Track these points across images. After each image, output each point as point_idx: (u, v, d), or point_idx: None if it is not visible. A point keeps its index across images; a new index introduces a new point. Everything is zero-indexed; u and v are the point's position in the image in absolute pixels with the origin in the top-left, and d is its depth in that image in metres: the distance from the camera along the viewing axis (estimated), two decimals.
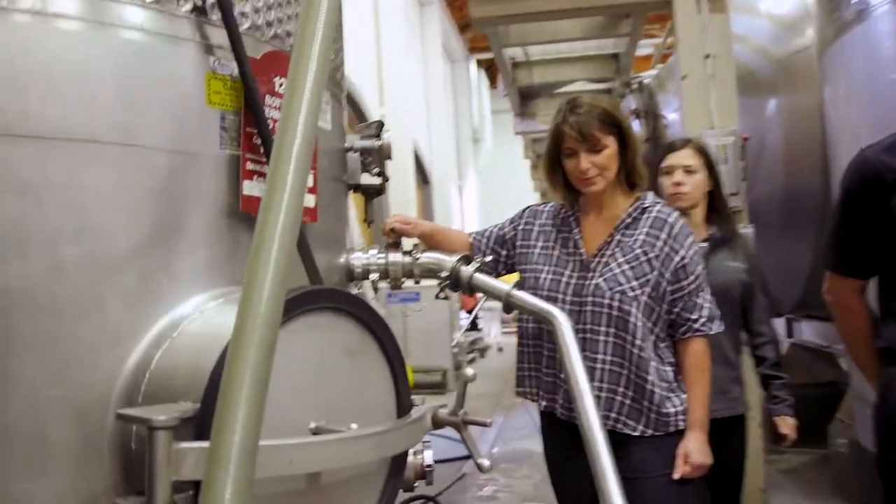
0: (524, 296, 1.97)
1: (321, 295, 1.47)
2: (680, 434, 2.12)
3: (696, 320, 2.15)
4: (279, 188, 1.22)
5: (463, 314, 12.23)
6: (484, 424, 1.68)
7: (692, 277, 2.15)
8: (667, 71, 5.71)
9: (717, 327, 2.19)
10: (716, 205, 2.80)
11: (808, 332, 4.88)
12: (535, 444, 6.28)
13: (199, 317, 1.49)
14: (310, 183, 1.78)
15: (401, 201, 11.73)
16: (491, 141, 24.37)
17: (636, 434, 2.09)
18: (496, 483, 5.14)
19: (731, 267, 2.72)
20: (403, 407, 1.63)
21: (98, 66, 1.41)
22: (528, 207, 2.42)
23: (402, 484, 2.03)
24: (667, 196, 2.71)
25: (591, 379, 2.03)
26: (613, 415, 2.10)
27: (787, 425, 2.74)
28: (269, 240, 1.19)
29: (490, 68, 23.73)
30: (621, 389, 2.10)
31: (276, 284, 1.16)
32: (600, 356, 2.11)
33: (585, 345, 2.10)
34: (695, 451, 2.08)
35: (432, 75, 18.09)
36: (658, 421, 2.09)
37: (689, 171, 2.73)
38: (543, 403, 2.21)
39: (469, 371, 1.63)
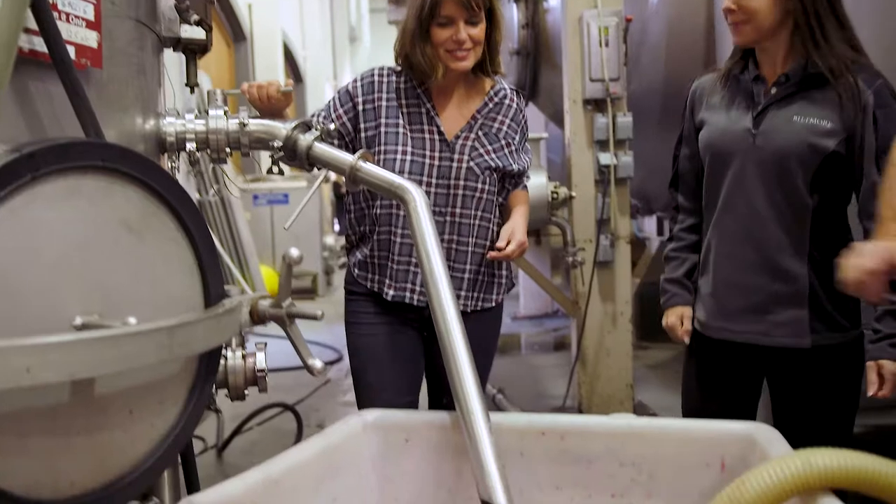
0: (373, 169, 1.66)
1: (84, 150, 1.10)
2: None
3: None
4: None
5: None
6: (313, 317, 1.38)
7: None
8: None
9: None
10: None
11: None
12: None
13: None
14: (89, 15, 1.38)
15: None
16: (369, 40, 23.46)
17: (492, 305, 2.17)
18: None
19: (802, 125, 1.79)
20: (212, 297, 1.31)
21: None
22: (362, 79, 2.12)
23: (231, 393, 1.74)
24: None
25: (462, 262, 2.08)
26: (479, 294, 2.13)
27: (879, 375, 1.71)
28: None
29: None
30: (486, 269, 2.13)
31: None
32: (471, 239, 2.09)
33: (456, 229, 2.07)
34: (519, 230, 2.07)
35: None
36: (503, 285, 2.20)
37: None
38: (391, 293, 2.07)
39: (294, 252, 1.32)
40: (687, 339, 2.02)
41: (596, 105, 3.80)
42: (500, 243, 2.04)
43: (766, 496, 1.02)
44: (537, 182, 3.71)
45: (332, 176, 9.81)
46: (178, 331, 1.09)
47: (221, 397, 1.83)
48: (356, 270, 2.13)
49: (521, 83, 5.01)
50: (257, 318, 1.35)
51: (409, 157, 2.03)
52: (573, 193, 3.78)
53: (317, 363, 1.36)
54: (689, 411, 2.01)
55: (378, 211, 2.06)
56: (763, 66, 1.87)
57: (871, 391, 1.70)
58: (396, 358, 2.10)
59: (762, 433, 1.28)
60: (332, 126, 1.78)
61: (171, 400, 1.25)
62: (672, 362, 5.12)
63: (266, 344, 1.77)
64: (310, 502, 1.27)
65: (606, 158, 3.73)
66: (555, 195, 3.72)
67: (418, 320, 2.09)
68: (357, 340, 2.14)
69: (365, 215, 2.11)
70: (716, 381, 1.98)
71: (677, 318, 2.03)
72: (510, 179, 2.17)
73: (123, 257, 1.16)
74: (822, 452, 1.03)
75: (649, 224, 5.81)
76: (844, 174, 1.78)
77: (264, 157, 1.89)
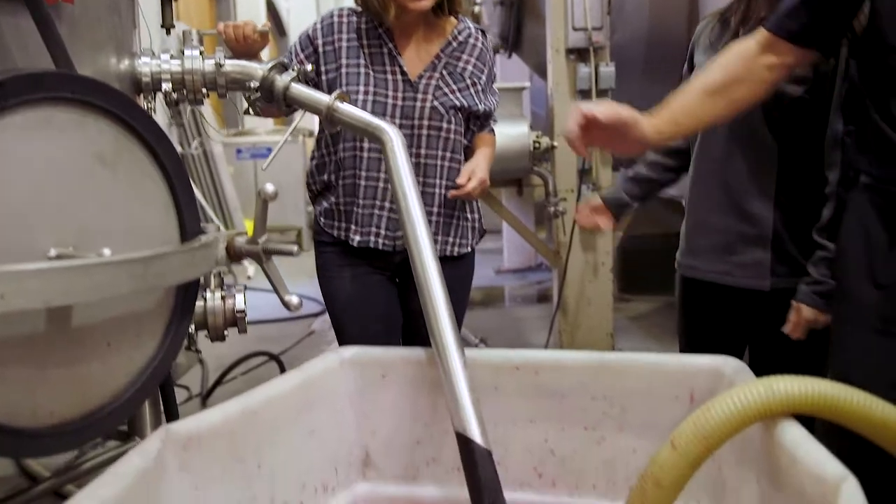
0: (350, 109, 1.66)
1: (55, 81, 1.10)
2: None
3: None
4: None
5: None
6: (289, 253, 1.40)
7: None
8: None
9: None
10: None
11: None
12: None
13: None
14: None
15: None
16: None
17: (468, 250, 2.16)
18: None
19: None
20: (188, 233, 1.31)
21: None
22: (322, 21, 2.07)
23: (211, 334, 1.76)
24: None
25: (430, 205, 2.02)
26: (451, 238, 2.10)
27: (797, 317, 1.74)
28: None
29: None
30: (456, 213, 2.10)
31: None
32: (438, 181, 2.04)
33: (422, 170, 2.02)
34: (480, 168, 2.04)
35: None
36: (477, 230, 2.19)
37: None
38: (357, 238, 2.04)
39: (269, 187, 1.32)
40: (576, 221, 2.26)
41: (578, 54, 3.78)
42: (461, 180, 2.00)
43: (730, 421, 1.05)
44: (519, 131, 3.72)
45: (317, 130, 9.74)
46: (152, 262, 1.10)
47: (205, 348, 1.85)
48: (322, 219, 2.10)
49: (505, 34, 4.96)
50: (234, 254, 1.36)
51: (371, 98, 1.98)
52: (555, 143, 3.78)
53: (293, 299, 1.38)
54: (681, 349, 2.08)
55: (342, 154, 2.02)
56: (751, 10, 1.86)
57: (786, 329, 1.74)
58: (372, 305, 2.09)
59: (730, 365, 1.31)
60: (308, 67, 1.77)
61: (149, 333, 1.26)
62: (653, 314, 5.18)
63: (245, 287, 1.79)
64: (287, 433, 1.29)
65: None
66: (537, 145, 3.72)
67: (388, 267, 2.08)
68: (331, 291, 2.13)
69: (326, 162, 2.07)
70: (693, 320, 2.03)
71: (584, 203, 2.26)
72: (476, 120, 2.13)
73: (97, 191, 1.17)
74: (784, 379, 1.06)
75: None
76: (813, 120, 1.78)
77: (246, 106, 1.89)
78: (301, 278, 5.90)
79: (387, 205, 2.00)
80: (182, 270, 1.18)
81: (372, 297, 2.08)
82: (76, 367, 1.15)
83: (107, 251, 1.09)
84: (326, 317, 5.50)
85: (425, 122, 2.01)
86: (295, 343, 4.68)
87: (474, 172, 2.01)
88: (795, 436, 1.02)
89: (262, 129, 9.49)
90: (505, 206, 4.51)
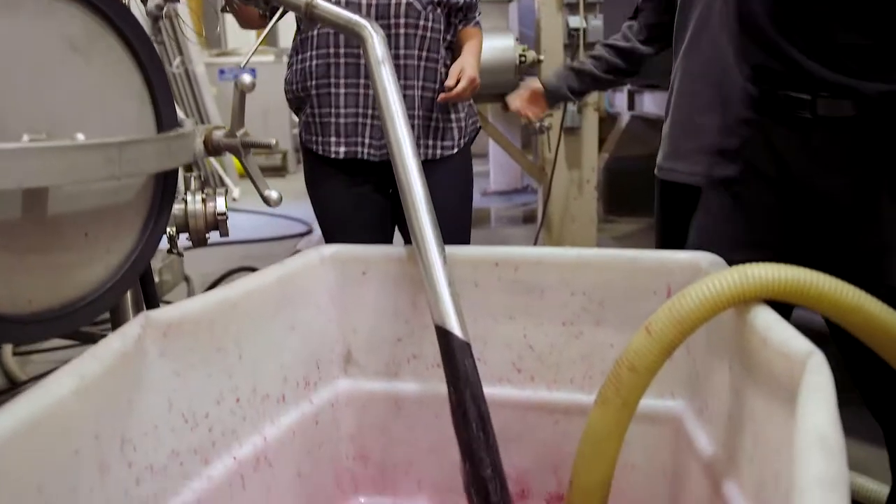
0: (330, 6, 1.61)
1: None
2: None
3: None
4: None
5: None
6: (268, 146, 1.38)
7: None
8: None
9: None
10: None
11: (648, 102, 4.80)
12: None
13: None
14: None
15: None
16: None
17: (453, 152, 2.08)
18: None
19: None
20: (165, 125, 1.29)
21: None
22: None
23: (192, 237, 1.75)
24: None
25: (409, 108, 1.94)
26: (432, 141, 2.04)
27: None
28: None
29: None
30: (437, 115, 2.03)
31: None
32: (417, 83, 1.97)
33: (402, 72, 1.94)
34: (469, 66, 1.97)
35: None
36: (464, 129, 2.10)
37: None
38: (342, 150, 1.99)
39: (247, 78, 1.30)
40: (510, 105, 2.18)
41: None
42: (449, 82, 1.93)
43: (704, 306, 1.06)
44: (505, 44, 3.66)
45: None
46: (127, 147, 1.08)
47: (190, 265, 1.84)
48: (303, 134, 2.05)
49: None
50: (211, 147, 1.34)
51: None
52: (541, 57, 3.72)
53: (272, 194, 1.37)
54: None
55: (313, 62, 1.95)
56: None
57: None
58: (362, 219, 2.06)
59: (707, 260, 1.33)
60: None
61: (127, 226, 1.25)
62: (638, 234, 5.21)
63: (227, 190, 1.77)
64: (268, 327, 1.30)
65: (576, 21, 3.66)
66: (522, 58, 3.66)
67: (378, 177, 2.02)
68: (320, 204, 2.10)
69: (295, 70, 2.01)
70: (672, 225, 2.02)
71: (524, 87, 2.16)
72: (458, 13, 2.04)
73: (70, 78, 1.14)
74: (758, 266, 1.07)
75: (620, 99, 5.77)
76: None
77: (230, 31, 1.82)
78: (287, 199, 5.91)
79: (370, 112, 1.95)
80: (158, 159, 1.16)
81: (362, 210, 2.05)
82: (54, 256, 1.15)
83: (80, 136, 1.08)
84: (312, 237, 5.52)
85: (401, 21, 1.93)
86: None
87: (463, 71, 1.93)
88: (767, 319, 1.03)
89: (245, 49, 9.31)
90: (491, 123, 4.47)
